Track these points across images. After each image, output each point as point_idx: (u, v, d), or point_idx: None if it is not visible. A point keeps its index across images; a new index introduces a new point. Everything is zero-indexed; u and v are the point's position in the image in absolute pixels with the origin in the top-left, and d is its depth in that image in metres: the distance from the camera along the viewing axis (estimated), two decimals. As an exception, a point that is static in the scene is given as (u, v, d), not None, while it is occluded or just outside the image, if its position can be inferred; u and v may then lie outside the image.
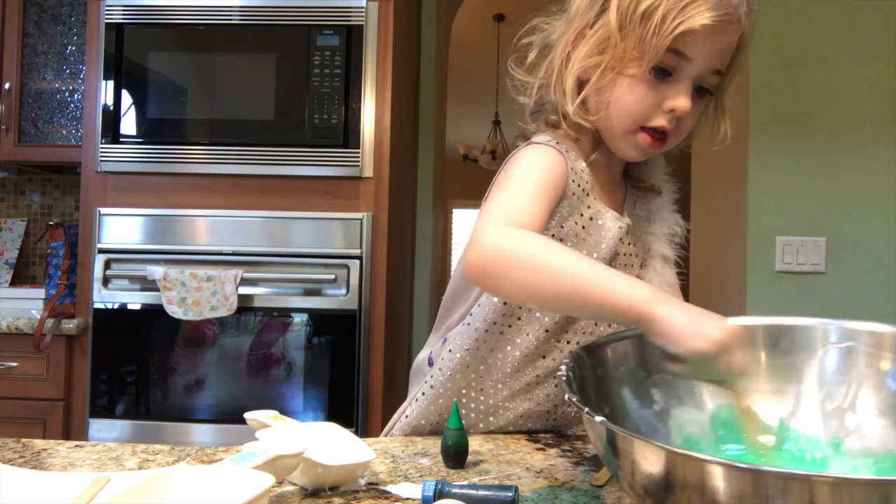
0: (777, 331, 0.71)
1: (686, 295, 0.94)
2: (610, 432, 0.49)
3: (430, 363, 0.91)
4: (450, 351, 0.86)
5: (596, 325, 0.86)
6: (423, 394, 0.87)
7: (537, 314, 0.84)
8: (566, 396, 0.56)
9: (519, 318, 0.84)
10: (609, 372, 0.66)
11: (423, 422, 0.87)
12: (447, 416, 0.86)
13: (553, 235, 0.81)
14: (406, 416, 0.88)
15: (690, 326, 0.58)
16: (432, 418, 0.87)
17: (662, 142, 0.80)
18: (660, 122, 0.78)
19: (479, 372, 0.86)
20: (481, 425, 0.88)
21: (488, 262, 0.67)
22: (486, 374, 0.86)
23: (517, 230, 0.69)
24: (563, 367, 0.60)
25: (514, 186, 0.76)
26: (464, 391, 0.86)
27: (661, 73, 0.75)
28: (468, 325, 0.85)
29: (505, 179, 0.78)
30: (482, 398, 0.87)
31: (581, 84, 0.80)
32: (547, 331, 0.83)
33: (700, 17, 0.70)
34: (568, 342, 0.85)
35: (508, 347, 0.85)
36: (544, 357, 0.85)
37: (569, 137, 0.83)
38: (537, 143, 0.81)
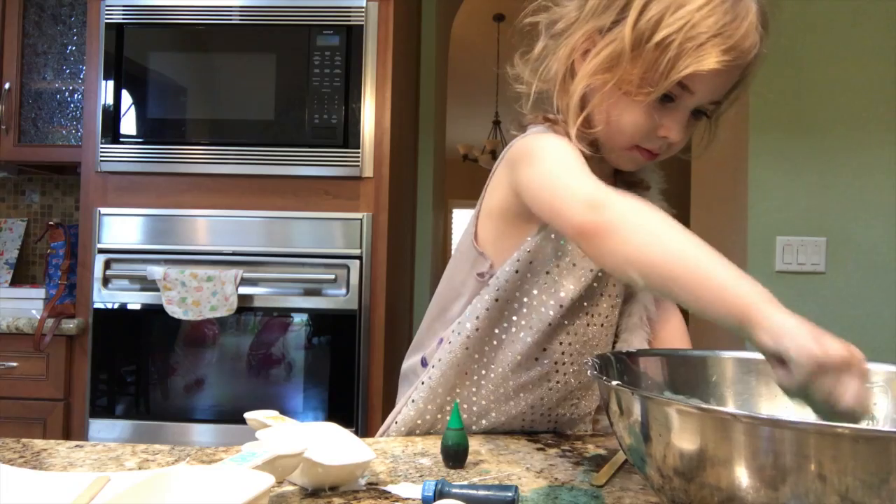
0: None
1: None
2: (644, 402, 0.50)
3: (424, 364, 0.91)
4: (448, 351, 0.86)
5: (588, 325, 0.86)
6: (422, 395, 0.87)
7: (529, 317, 0.83)
8: (589, 372, 0.56)
9: (513, 318, 0.84)
10: (637, 384, 0.67)
11: (420, 421, 0.87)
12: (441, 418, 0.87)
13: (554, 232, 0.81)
14: (402, 417, 0.88)
15: (807, 331, 0.50)
16: (428, 417, 0.87)
17: (655, 157, 0.81)
18: (651, 145, 0.79)
19: (472, 370, 0.86)
20: (473, 427, 0.88)
21: (607, 220, 0.64)
22: (479, 374, 0.86)
23: (631, 197, 0.66)
24: (589, 359, 0.61)
25: (567, 159, 0.74)
26: (457, 390, 0.86)
27: (663, 100, 0.75)
28: (460, 323, 0.85)
29: (542, 156, 0.75)
30: (474, 399, 0.87)
31: (582, 96, 0.79)
32: (538, 332, 0.83)
33: (711, 61, 0.70)
34: (560, 343, 0.85)
35: (501, 348, 0.85)
36: (536, 359, 0.85)
37: (566, 135, 0.83)
38: (550, 130, 0.81)
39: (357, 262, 1.91)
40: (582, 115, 0.78)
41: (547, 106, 0.85)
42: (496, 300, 0.83)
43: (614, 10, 0.75)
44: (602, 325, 0.87)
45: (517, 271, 0.82)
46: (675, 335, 0.95)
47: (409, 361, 0.94)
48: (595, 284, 0.84)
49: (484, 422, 0.87)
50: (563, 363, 0.86)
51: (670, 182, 0.96)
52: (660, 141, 0.79)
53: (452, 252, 0.95)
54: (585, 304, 0.85)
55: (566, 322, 0.84)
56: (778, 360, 0.51)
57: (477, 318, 0.84)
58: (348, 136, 1.92)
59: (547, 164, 0.74)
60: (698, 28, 0.70)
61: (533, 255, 0.82)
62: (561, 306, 0.82)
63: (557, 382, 0.86)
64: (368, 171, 1.93)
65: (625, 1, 0.74)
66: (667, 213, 0.64)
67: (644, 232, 0.62)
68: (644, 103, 0.75)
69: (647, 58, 0.72)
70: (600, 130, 0.79)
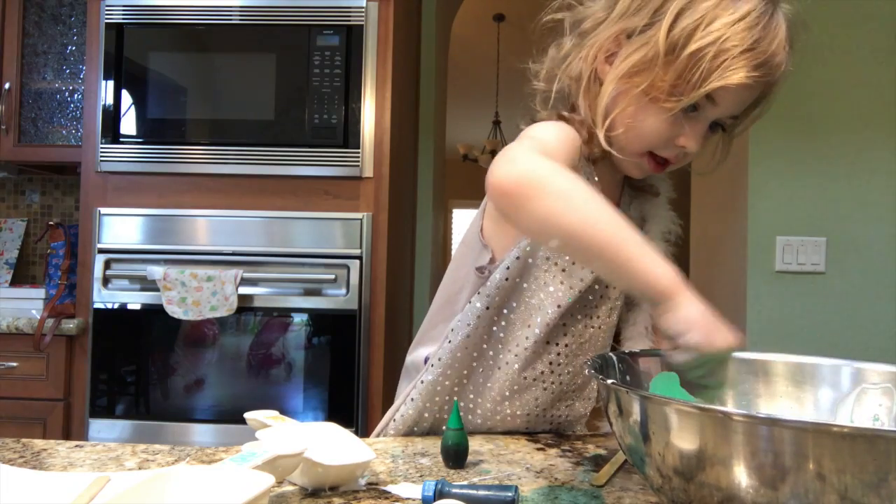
0: (802, 370, 0.71)
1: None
2: (644, 401, 0.50)
3: (426, 361, 0.91)
4: (448, 350, 0.85)
5: (585, 327, 0.86)
6: (421, 393, 0.87)
7: (529, 318, 0.83)
8: (587, 371, 0.57)
9: (511, 316, 0.84)
10: (640, 384, 0.67)
11: (418, 419, 0.87)
12: (441, 417, 0.86)
13: None
14: (401, 415, 0.88)
15: (709, 320, 0.59)
16: (427, 416, 0.87)
17: (664, 168, 0.81)
18: (667, 153, 0.80)
19: (472, 370, 0.86)
20: (471, 427, 0.88)
21: (524, 181, 0.64)
22: (478, 374, 0.86)
23: (559, 165, 0.67)
24: (589, 359, 0.62)
25: (539, 136, 0.75)
26: (456, 389, 0.86)
27: (686, 109, 0.75)
28: (460, 321, 0.85)
29: (528, 134, 0.76)
30: (471, 397, 0.87)
31: (610, 101, 0.79)
32: (538, 333, 0.83)
33: (740, 75, 0.70)
34: (556, 344, 0.85)
35: (500, 349, 0.85)
36: (535, 360, 0.84)
37: (580, 135, 0.83)
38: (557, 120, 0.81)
39: (357, 262, 1.91)
40: (610, 117, 0.78)
41: (561, 105, 0.85)
42: (490, 305, 0.83)
43: (646, 13, 0.74)
44: (599, 327, 0.87)
45: (507, 279, 0.82)
46: None
47: (413, 356, 0.94)
48: (596, 286, 0.84)
49: (479, 421, 0.87)
50: (559, 364, 0.86)
51: (670, 181, 0.96)
52: (676, 150, 0.79)
53: (453, 249, 0.94)
54: (584, 306, 0.85)
55: (564, 324, 0.84)
56: (673, 342, 0.60)
57: (477, 317, 0.83)
58: (348, 136, 1.92)
59: (522, 137, 0.75)
60: (731, 41, 0.70)
61: (530, 253, 0.82)
62: (559, 306, 0.82)
63: (552, 383, 0.86)
64: (368, 171, 1.93)
65: (657, 5, 0.74)
66: (597, 195, 0.65)
67: (562, 197, 0.63)
68: (670, 111, 0.75)
69: (679, 66, 0.72)
70: (619, 134, 0.79)
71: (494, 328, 0.84)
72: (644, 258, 0.61)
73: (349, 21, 1.93)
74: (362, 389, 1.90)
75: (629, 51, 0.75)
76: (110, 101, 1.98)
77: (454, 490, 0.59)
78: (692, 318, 0.59)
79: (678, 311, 0.59)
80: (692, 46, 0.71)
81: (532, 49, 0.85)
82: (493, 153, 5.59)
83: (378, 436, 0.90)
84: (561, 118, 0.83)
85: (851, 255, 2.13)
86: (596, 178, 0.84)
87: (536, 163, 0.67)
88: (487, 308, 0.83)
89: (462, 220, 7.98)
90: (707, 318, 0.59)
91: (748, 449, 0.44)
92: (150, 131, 1.98)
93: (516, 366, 0.84)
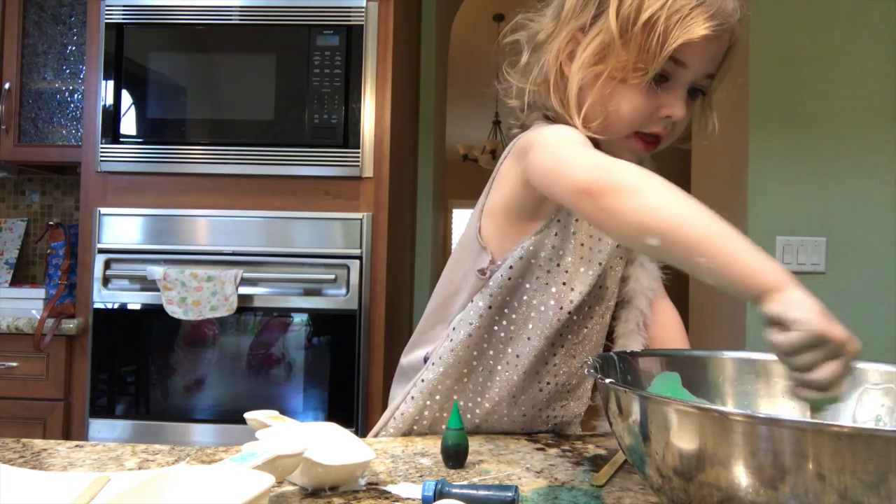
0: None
1: (686, 297, 0.95)
2: (643, 401, 0.50)
3: (427, 361, 0.91)
4: (450, 349, 0.85)
5: (579, 327, 0.86)
6: (421, 392, 0.86)
7: (529, 319, 0.83)
8: (586, 371, 0.57)
9: (513, 316, 0.83)
10: (640, 384, 0.67)
11: (418, 417, 0.87)
12: (441, 416, 0.86)
13: (556, 233, 0.81)
14: (401, 413, 0.88)
15: (819, 308, 0.53)
16: (427, 414, 0.86)
17: (655, 145, 0.81)
18: (655, 128, 0.79)
19: (472, 369, 0.86)
20: (469, 427, 0.87)
21: (612, 180, 0.62)
22: (477, 373, 0.86)
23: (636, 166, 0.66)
24: (590, 359, 0.61)
25: (569, 138, 0.74)
26: (456, 388, 0.86)
27: (659, 80, 0.76)
28: (461, 320, 0.85)
29: (555, 139, 0.75)
30: (471, 395, 0.86)
31: (578, 92, 0.79)
32: (541, 335, 0.83)
33: (699, 28, 0.71)
34: (552, 344, 0.85)
35: (502, 349, 0.85)
36: (534, 361, 0.84)
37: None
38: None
39: (357, 261, 1.91)
40: (583, 109, 0.78)
41: (541, 110, 0.86)
42: (492, 304, 0.83)
43: (592, 6, 0.77)
44: (593, 327, 0.87)
45: (509, 279, 0.82)
46: (672, 335, 0.95)
47: (410, 357, 0.93)
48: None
49: (478, 421, 0.87)
50: (555, 364, 0.86)
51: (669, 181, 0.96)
52: (663, 122, 0.79)
53: (452, 250, 0.94)
54: (581, 307, 0.84)
55: (560, 324, 0.84)
56: (777, 325, 0.53)
57: (479, 316, 0.83)
58: (348, 136, 1.92)
59: (553, 141, 0.75)
60: (680, 1, 0.72)
61: (533, 253, 0.82)
62: (561, 308, 0.82)
63: (548, 384, 0.86)
64: (368, 171, 1.93)
65: None
66: (684, 192, 0.62)
67: (656, 194, 0.60)
68: (641, 86, 0.75)
69: (637, 40, 0.73)
70: (598, 125, 0.78)
71: (496, 328, 0.84)
72: (749, 254, 0.56)
73: (349, 21, 1.93)
74: (362, 389, 1.90)
75: (586, 42, 0.77)
76: (110, 101, 1.98)
77: (454, 490, 0.59)
78: (813, 306, 0.53)
79: (794, 299, 0.53)
80: (644, 16, 0.72)
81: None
82: (493, 153, 5.60)
83: (377, 434, 0.90)
84: (547, 119, 0.84)
85: (851, 255, 2.13)
86: None
87: (615, 162, 0.65)
88: (490, 307, 0.83)
89: (462, 220, 7.98)
90: (815, 304, 0.53)
91: (748, 449, 0.44)
92: (150, 131, 1.98)
93: (516, 366, 0.84)
